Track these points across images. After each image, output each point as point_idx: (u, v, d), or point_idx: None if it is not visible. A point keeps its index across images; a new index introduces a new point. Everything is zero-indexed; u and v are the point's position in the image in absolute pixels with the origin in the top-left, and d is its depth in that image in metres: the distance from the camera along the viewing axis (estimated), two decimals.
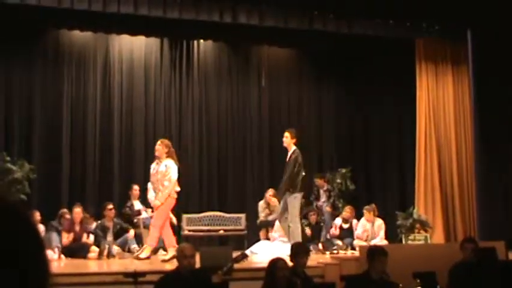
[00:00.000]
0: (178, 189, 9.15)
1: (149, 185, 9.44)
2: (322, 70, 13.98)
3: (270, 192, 12.07)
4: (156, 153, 9.19)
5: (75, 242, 9.98)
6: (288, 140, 9.90)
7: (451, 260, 6.99)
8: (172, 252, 8.54)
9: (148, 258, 8.99)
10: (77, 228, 10.08)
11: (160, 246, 10.38)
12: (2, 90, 11.68)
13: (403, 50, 12.68)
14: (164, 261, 8.70)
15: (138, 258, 9.00)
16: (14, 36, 11.59)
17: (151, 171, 9.16)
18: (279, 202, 10.09)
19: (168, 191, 8.92)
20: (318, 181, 12.63)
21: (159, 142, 9.31)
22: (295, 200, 9.69)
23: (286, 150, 10.03)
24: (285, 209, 9.81)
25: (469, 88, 12.57)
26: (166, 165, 9.00)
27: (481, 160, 12.12)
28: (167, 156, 9.07)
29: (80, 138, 12.21)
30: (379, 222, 11.17)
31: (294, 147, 9.90)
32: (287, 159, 9.91)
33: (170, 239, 9.11)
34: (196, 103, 13.10)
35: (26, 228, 1.11)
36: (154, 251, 10.31)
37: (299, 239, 9.47)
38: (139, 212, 11.21)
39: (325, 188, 12.59)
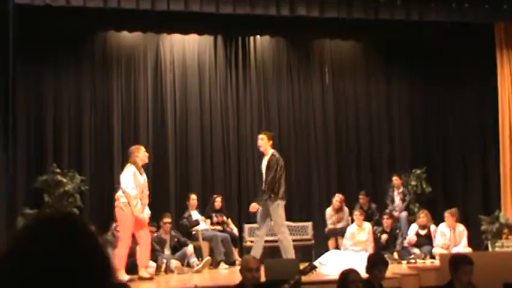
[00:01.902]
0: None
1: None
2: (391, 63, 13.77)
3: (337, 197, 11.98)
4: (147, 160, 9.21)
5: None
6: (265, 143, 9.72)
7: None
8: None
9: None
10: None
11: (222, 259, 10.42)
12: (51, 99, 11.92)
13: (482, 36, 12.40)
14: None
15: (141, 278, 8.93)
16: (60, 41, 11.81)
17: (143, 182, 9.01)
18: (257, 210, 9.78)
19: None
20: (395, 181, 12.42)
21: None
22: (278, 208, 9.42)
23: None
24: (265, 218, 9.56)
25: None
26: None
27: None
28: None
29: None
30: (461, 228, 10.91)
31: (271, 150, 9.73)
32: (265, 163, 9.69)
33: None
34: (255, 103, 13.09)
35: (92, 244, 1.15)
36: (216, 264, 10.37)
37: (292, 249, 9.39)
38: (197, 222, 11.26)
39: (400, 189, 12.38)
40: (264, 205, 9.50)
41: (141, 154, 8.94)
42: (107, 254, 1.19)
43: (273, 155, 9.67)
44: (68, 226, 1.16)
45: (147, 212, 8.96)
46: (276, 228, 9.49)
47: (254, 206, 9.63)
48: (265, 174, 9.58)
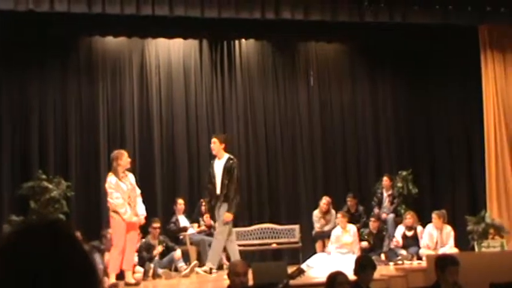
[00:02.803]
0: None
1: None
2: (377, 65, 13.82)
3: (325, 200, 12.00)
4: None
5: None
6: (217, 146, 9.51)
7: None
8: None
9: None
10: None
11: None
12: (36, 104, 11.86)
13: (466, 38, 12.45)
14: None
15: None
16: (45, 46, 11.79)
17: (129, 186, 8.95)
18: (212, 218, 9.65)
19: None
20: (385, 181, 12.43)
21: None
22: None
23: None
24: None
25: None
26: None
27: None
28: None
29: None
30: (448, 229, 10.95)
31: (226, 155, 9.54)
32: (220, 167, 9.43)
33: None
34: (241, 107, 13.10)
35: (77, 251, 1.14)
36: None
37: (217, 258, 9.44)
38: (185, 228, 11.24)
39: (390, 191, 12.40)
40: (216, 210, 9.42)
41: (123, 161, 8.89)
42: (93, 261, 1.18)
43: (230, 159, 9.50)
44: (53, 233, 1.15)
45: (141, 213, 8.95)
46: (219, 229, 9.43)
47: (228, 216, 9.37)
48: (222, 178, 9.36)
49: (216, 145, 9.54)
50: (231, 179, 9.35)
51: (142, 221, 9.05)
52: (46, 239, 1.13)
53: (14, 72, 11.61)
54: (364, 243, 11.47)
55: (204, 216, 11.45)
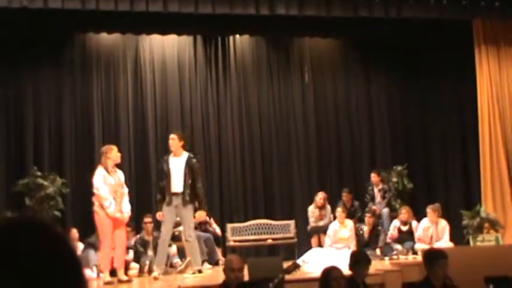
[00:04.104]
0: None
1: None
2: (371, 60, 13.81)
3: (320, 195, 12.00)
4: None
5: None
6: (176, 143, 9.24)
7: None
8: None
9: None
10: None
11: (205, 259, 10.39)
12: (30, 101, 11.84)
13: (460, 32, 12.45)
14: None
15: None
16: (39, 43, 11.77)
17: (117, 181, 8.83)
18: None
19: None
20: (373, 178, 12.46)
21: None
22: (192, 212, 9.20)
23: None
24: (172, 222, 9.33)
25: None
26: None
27: None
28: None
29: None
30: (444, 223, 10.96)
31: (186, 153, 9.31)
32: (179, 164, 9.16)
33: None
34: (236, 103, 13.09)
35: (59, 248, 1.11)
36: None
37: (198, 251, 9.34)
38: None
39: (380, 186, 12.43)
40: (172, 209, 9.12)
41: (113, 155, 8.81)
42: (77, 260, 1.15)
43: (192, 157, 9.31)
44: (35, 230, 1.13)
45: (126, 211, 8.86)
46: (189, 232, 9.21)
47: (159, 215, 9.20)
48: (184, 177, 9.09)
49: (174, 142, 9.28)
50: (196, 178, 9.16)
51: (126, 219, 8.94)
52: (29, 237, 1.11)
53: (8, 69, 11.58)
54: (365, 229, 11.47)
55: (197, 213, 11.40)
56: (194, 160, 9.32)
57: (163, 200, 9.16)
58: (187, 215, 9.15)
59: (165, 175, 9.19)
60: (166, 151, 12.44)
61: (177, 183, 9.11)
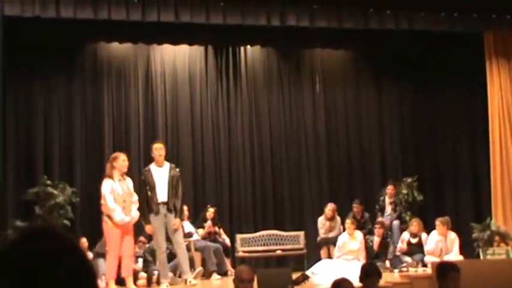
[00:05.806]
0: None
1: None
2: (382, 72, 13.79)
3: (330, 206, 11.96)
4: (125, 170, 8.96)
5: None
6: (164, 153, 9.35)
7: None
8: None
9: None
10: None
11: (214, 270, 10.36)
12: (41, 110, 11.88)
13: (471, 45, 12.43)
14: None
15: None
16: (51, 52, 11.81)
17: (126, 190, 8.78)
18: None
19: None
20: (390, 190, 12.40)
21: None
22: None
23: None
24: (164, 231, 9.19)
25: None
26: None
27: None
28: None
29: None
30: (453, 235, 10.89)
31: (167, 163, 9.33)
32: (163, 175, 9.16)
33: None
34: (246, 114, 13.08)
35: (75, 258, 1.11)
36: (208, 275, 10.30)
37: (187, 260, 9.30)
38: (190, 234, 11.20)
39: (392, 199, 12.38)
40: (161, 219, 9.09)
41: (119, 164, 8.70)
42: (91, 267, 1.16)
43: (174, 169, 9.35)
44: (50, 238, 1.13)
45: (134, 214, 8.76)
46: (180, 243, 9.22)
47: (149, 228, 9.14)
48: (168, 188, 9.11)
49: (163, 151, 9.36)
50: (178, 189, 9.19)
51: (135, 219, 8.84)
52: (44, 245, 1.11)
53: (19, 78, 11.62)
54: (377, 239, 11.40)
55: (207, 223, 11.39)
56: (177, 170, 9.38)
57: (151, 211, 9.12)
58: (171, 225, 9.11)
59: (150, 186, 9.14)
60: (177, 161, 12.50)
61: (161, 193, 9.12)
